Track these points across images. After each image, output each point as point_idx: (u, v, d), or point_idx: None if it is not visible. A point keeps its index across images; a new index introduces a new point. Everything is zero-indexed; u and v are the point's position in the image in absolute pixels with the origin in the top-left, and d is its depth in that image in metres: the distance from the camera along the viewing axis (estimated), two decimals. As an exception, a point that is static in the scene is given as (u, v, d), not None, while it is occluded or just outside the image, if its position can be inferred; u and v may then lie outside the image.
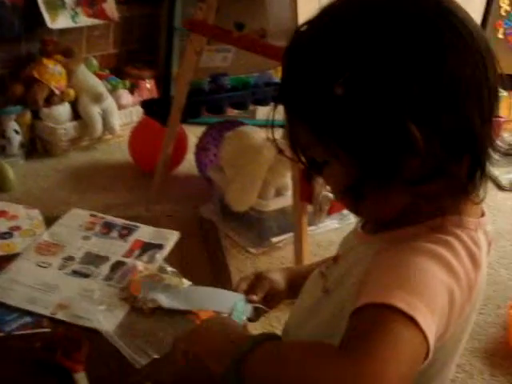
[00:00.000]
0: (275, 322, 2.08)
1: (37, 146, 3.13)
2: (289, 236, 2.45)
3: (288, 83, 0.78)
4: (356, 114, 0.70)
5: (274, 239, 2.52)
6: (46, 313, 1.09)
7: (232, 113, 3.21)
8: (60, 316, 1.09)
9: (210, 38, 2.51)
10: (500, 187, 3.21)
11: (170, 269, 1.22)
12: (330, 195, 2.25)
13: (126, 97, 3.39)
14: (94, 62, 3.46)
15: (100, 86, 3.22)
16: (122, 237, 1.33)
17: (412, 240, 0.74)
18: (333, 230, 2.67)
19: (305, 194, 2.22)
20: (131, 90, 3.45)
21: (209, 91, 2.87)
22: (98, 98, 3.16)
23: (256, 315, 1.01)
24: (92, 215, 1.40)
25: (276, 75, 3.01)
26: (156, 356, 1.01)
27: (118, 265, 1.23)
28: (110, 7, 3.37)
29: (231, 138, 2.54)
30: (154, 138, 2.79)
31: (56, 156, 3.12)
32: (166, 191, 2.80)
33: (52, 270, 1.21)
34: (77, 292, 1.15)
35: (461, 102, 0.71)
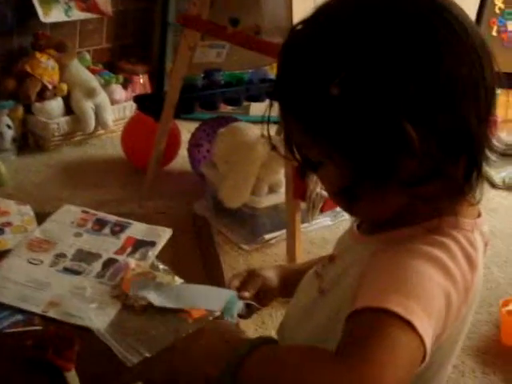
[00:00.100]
0: (267, 319, 2.08)
1: (29, 140, 3.12)
2: (282, 233, 2.45)
3: (283, 82, 0.77)
4: (352, 114, 0.70)
5: (267, 236, 2.52)
6: (38, 311, 1.08)
7: (225, 109, 3.21)
8: (51, 314, 1.08)
9: (203, 33, 2.51)
10: (493, 185, 3.22)
11: (162, 266, 1.21)
12: (323, 192, 2.25)
13: (119, 92, 3.37)
14: (87, 56, 3.44)
15: (93, 81, 3.20)
16: (114, 234, 1.32)
17: (408, 241, 0.74)
18: (326, 227, 2.67)
19: (298, 191, 2.22)
20: (124, 85, 3.43)
21: (202, 87, 2.86)
22: (90, 93, 3.14)
23: (248, 312, 1.00)
24: (84, 212, 1.39)
25: (270, 71, 3.00)
26: (148, 354, 1.00)
27: (110, 262, 1.22)
28: (104, 1, 3.34)
29: (224, 134, 2.53)
30: (147, 134, 2.78)
31: (48, 151, 3.11)
32: (158, 187, 2.79)
33: (43, 267, 1.20)
34: (68, 289, 1.14)
35: (457, 101, 0.70)
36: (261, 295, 1.02)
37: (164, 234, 1.32)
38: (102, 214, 1.38)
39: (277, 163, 2.37)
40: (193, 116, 3.07)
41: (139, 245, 1.28)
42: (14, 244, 1.25)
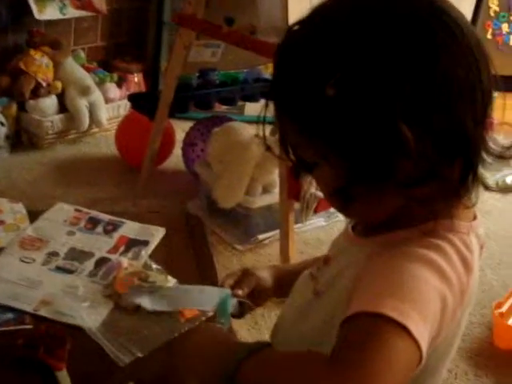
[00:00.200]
0: (261, 319, 2.07)
1: (22, 138, 3.10)
2: (275, 233, 2.45)
3: (279, 83, 0.77)
4: (347, 115, 0.69)
5: (261, 236, 2.52)
6: (29, 309, 1.07)
7: (220, 108, 3.21)
8: (43, 312, 1.07)
9: (199, 32, 2.50)
10: (487, 188, 3.22)
11: (155, 266, 1.21)
12: (317, 193, 2.25)
13: (114, 90, 3.36)
14: (82, 54, 3.43)
15: (87, 79, 3.19)
16: (107, 232, 1.31)
17: (404, 244, 0.73)
18: (319, 227, 2.66)
19: (292, 191, 2.22)
20: (119, 84, 3.42)
21: (197, 86, 2.86)
22: (85, 91, 3.13)
23: (241, 311, 0.99)
24: (77, 210, 1.38)
25: (265, 71, 3.00)
26: (140, 354, 0.99)
27: (103, 261, 1.22)
28: (99, -1, 3.34)
29: (219, 133, 2.53)
30: (141, 133, 2.77)
31: (42, 149, 3.09)
32: (152, 186, 2.78)
33: (35, 265, 1.19)
34: (60, 288, 1.13)
35: (453, 103, 0.70)
36: (255, 295, 1.01)
37: (157, 234, 1.32)
38: (94, 213, 1.37)
39: (271, 163, 2.37)
40: (187, 115, 3.06)
41: (132, 244, 1.28)
42: (6, 242, 1.24)
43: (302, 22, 0.76)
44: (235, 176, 2.41)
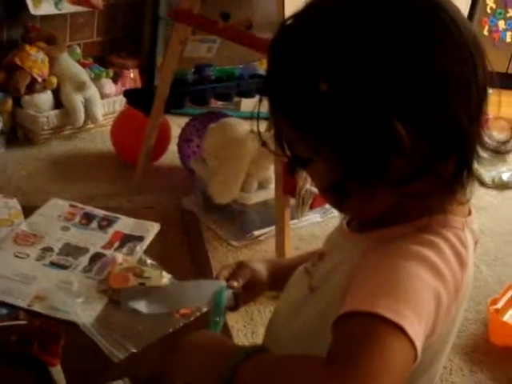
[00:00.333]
0: (256, 315, 2.07)
1: (18, 134, 3.09)
2: (271, 229, 2.45)
3: (272, 78, 0.77)
4: (341, 111, 0.69)
5: (256, 232, 2.52)
6: (23, 305, 1.07)
7: (216, 104, 3.20)
8: (37, 308, 1.07)
9: (194, 27, 2.49)
10: (482, 184, 3.23)
11: (149, 261, 1.21)
12: (313, 189, 2.24)
13: (110, 86, 3.35)
14: (78, 49, 3.42)
15: (83, 75, 3.18)
16: (102, 228, 1.31)
17: (398, 240, 0.73)
18: (315, 223, 2.66)
19: (287, 187, 2.22)
20: (115, 80, 3.41)
21: (193, 82, 2.85)
22: (80, 87, 3.12)
23: (236, 303, 0.99)
24: (72, 205, 1.38)
25: (261, 67, 2.99)
26: (134, 350, 0.99)
27: (97, 256, 1.22)
28: (95, -6, 3.32)
29: (215, 129, 2.52)
30: (137, 129, 2.77)
31: (37, 144, 3.08)
32: (148, 182, 2.77)
33: (30, 260, 1.19)
34: (54, 284, 1.13)
35: (448, 99, 0.70)
36: (250, 287, 1.01)
37: (152, 229, 1.32)
38: (89, 208, 1.37)
39: (267, 159, 2.37)
40: (183, 111, 3.06)
41: (127, 239, 1.28)
42: (1, 237, 1.24)
43: (296, 16, 0.75)
44: (231, 172, 2.41)
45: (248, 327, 2.03)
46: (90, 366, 0.98)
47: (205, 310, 1.07)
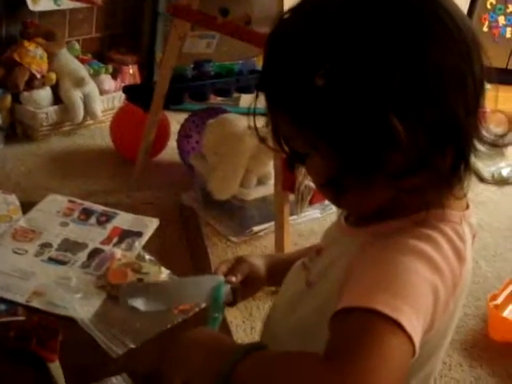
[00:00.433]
0: (255, 311, 2.07)
1: (17, 130, 3.08)
2: (270, 225, 2.44)
3: (268, 72, 0.76)
4: (337, 105, 0.69)
5: (256, 228, 2.51)
6: (21, 300, 1.07)
7: (215, 100, 3.19)
8: (35, 304, 1.07)
9: (193, 23, 2.49)
10: (482, 180, 3.23)
11: (148, 257, 1.21)
12: (312, 185, 2.24)
13: (109, 82, 3.34)
14: (77, 45, 3.41)
15: (82, 71, 3.18)
16: (101, 224, 1.31)
17: (396, 235, 0.73)
18: (314, 219, 2.66)
19: (287, 183, 2.21)
20: (114, 76, 3.40)
21: (192, 78, 2.85)
22: (79, 83, 3.11)
23: (234, 298, 0.99)
24: (70, 201, 1.37)
25: (260, 63, 2.98)
26: (132, 346, 0.99)
27: (96, 252, 1.21)
28: (94, -10, 3.32)
29: (214, 125, 2.52)
30: (136, 125, 2.76)
31: (36, 141, 3.08)
32: (147, 178, 2.77)
33: (28, 256, 1.18)
34: (53, 279, 1.13)
35: (445, 93, 0.69)
36: (248, 282, 1.00)
37: (151, 225, 1.32)
38: (88, 204, 1.37)
39: (266, 155, 2.37)
40: (182, 107, 3.05)
41: (126, 235, 1.27)
42: (-1, 233, 1.24)
43: (292, 11, 0.75)
44: (230, 168, 2.41)
45: (247, 323, 2.03)
46: (88, 362, 0.97)
47: (203, 305, 1.07)
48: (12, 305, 1.06)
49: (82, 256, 1.20)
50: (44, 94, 3.06)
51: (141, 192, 2.71)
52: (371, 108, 0.68)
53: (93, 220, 1.32)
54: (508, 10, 4.35)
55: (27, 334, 0.97)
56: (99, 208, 1.36)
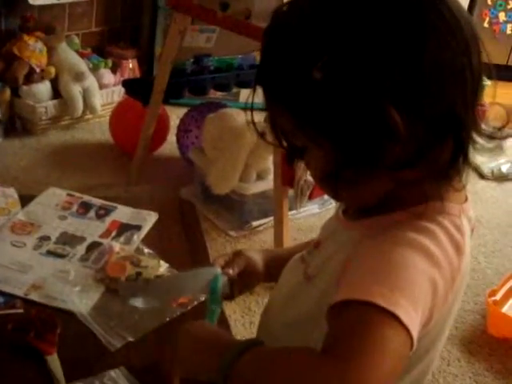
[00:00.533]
0: (254, 305, 2.08)
1: (16, 124, 3.08)
2: (269, 220, 2.45)
3: (266, 66, 0.76)
4: (335, 99, 0.68)
5: (255, 223, 2.51)
6: (20, 293, 1.07)
7: (215, 95, 3.19)
8: (33, 297, 1.06)
9: (194, 17, 2.48)
10: (482, 176, 3.24)
11: (147, 250, 1.20)
12: (312, 179, 2.24)
13: (108, 76, 3.34)
14: (76, 39, 3.41)
15: (81, 65, 3.17)
16: (99, 217, 1.30)
17: (394, 227, 0.73)
18: (314, 214, 2.66)
19: (286, 178, 2.21)
20: (113, 70, 3.40)
21: (192, 72, 2.84)
22: (79, 77, 3.11)
23: (232, 290, 0.98)
24: (69, 195, 1.37)
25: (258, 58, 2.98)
26: (131, 339, 0.99)
27: (95, 245, 1.21)
28: (93, -16, 3.31)
29: (213, 119, 2.51)
30: (136, 119, 2.76)
31: (35, 135, 3.08)
32: (146, 172, 2.77)
33: (27, 249, 1.18)
34: (51, 273, 1.12)
35: (443, 85, 0.69)
36: (245, 276, 1.00)
37: (150, 218, 1.31)
38: (87, 198, 1.37)
39: (265, 150, 2.36)
40: (182, 101, 3.05)
41: (124, 228, 1.27)
42: (-3, 226, 1.23)
43: (289, 4, 0.75)
44: (229, 162, 2.40)
45: (246, 317, 2.03)
46: (86, 355, 0.97)
47: (202, 298, 1.07)
48: (10, 298, 1.05)
49: (81, 249, 1.20)
50: (43, 88, 3.05)
51: (140, 186, 2.71)
52: (369, 100, 0.67)
53: (91, 213, 1.31)
54: (509, 7, 4.35)
55: (25, 327, 0.97)
56: (98, 201, 1.35)
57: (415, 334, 0.65)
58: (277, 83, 0.74)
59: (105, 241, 1.23)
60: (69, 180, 2.68)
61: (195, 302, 1.08)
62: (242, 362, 0.70)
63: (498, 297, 2.17)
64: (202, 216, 2.40)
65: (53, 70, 3.08)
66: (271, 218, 2.37)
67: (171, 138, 3.02)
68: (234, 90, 3.08)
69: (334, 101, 0.69)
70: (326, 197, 2.62)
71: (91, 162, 2.93)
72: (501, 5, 4.34)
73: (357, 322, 0.64)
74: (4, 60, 3.00)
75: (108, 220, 1.30)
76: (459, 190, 0.77)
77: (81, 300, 1.06)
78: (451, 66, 0.69)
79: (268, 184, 2.41)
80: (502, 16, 4.36)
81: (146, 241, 1.25)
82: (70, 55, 3.18)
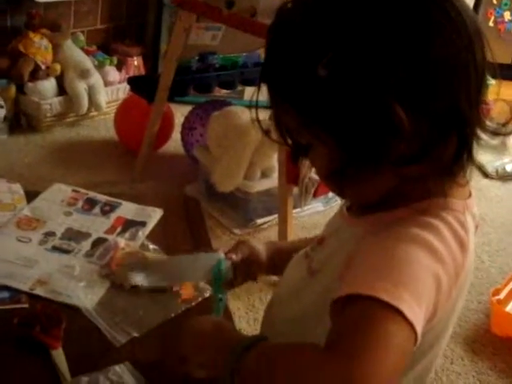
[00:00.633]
0: (258, 302, 2.08)
1: (21, 121, 3.09)
2: (274, 218, 2.45)
3: (270, 63, 0.76)
4: (340, 96, 0.68)
5: (259, 220, 2.52)
6: (25, 288, 1.07)
7: (220, 92, 3.19)
8: (39, 292, 1.07)
9: (199, 15, 2.48)
10: (486, 175, 3.23)
11: (152, 246, 1.21)
12: (316, 177, 2.24)
13: (113, 73, 3.35)
14: (81, 37, 3.41)
15: (87, 62, 3.18)
16: (105, 213, 1.31)
17: (398, 224, 0.73)
18: (318, 212, 2.66)
19: (291, 175, 2.21)
20: (118, 67, 3.40)
21: (197, 70, 2.84)
22: (84, 74, 3.11)
23: (235, 275, 0.98)
24: (74, 191, 1.38)
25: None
26: (136, 334, 1.00)
27: (100, 241, 1.21)
28: (99, -18, 3.32)
29: (218, 117, 2.52)
30: (141, 116, 2.76)
31: (40, 131, 3.08)
32: (151, 170, 2.77)
33: (32, 245, 1.19)
34: (57, 268, 1.13)
35: (447, 82, 0.69)
36: (248, 264, 1.00)
37: (154, 215, 1.32)
38: (92, 194, 1.37)
39: (270, 148, 2.37)
40: (187, 99, 3.05)
41: (129, 225, 1.27)
42: (3, 222, 1.24)
43: (294, 1, 0.75)
44: (234, 160, 2.41)
45: (250, 314, 2.03)
46: (91, 350, 0.98)
47: (207, 295, 1.07)
48: (16, 293, 1.06)
49: (86, 245, 1.20)
50: (48, 85, 3.06)
51: (144, 183, 2.71)
52: (374, 97, 0.68)
53: (97, 210, 1.32)
54: (514, 6, 4.34)
55: (31, 322, 0.97)
56: (103, 198, 1.36)
57: (419, 328, 0.65)
58: (281, 80, 0.74)
59: (110, 237, 1.23)
60: (73, 177, 2.68)
61: (200, 298, 1.09)
62: (248, 358, 0.70)
63: (502, 296, 2.17)
64: (207, 213, 2.40)
65: (58, 67, 3.08)
66: (276, 215, 2.37)
67: (176, 135, 3.03)
68: (239, 87, 3.08)
69: (339, 98, 0.69)
70: (330, 195, 2.62)
71: (96, 159, 2.94)
72: (506, 4, 4.33)
73: (360, 317, 0.65)
74: (10, 57, 3.01)
75: (113, 216, 1.30)
76: (463, 185, 0.77)
77: (86, 295, 1.07)
78: (455, 62, 0.70)
79: (272, 182, 2.42)
80: (507, 15, 4.36)
81: (150, 237, 1.25)
82: (75, 52, 3.19)
